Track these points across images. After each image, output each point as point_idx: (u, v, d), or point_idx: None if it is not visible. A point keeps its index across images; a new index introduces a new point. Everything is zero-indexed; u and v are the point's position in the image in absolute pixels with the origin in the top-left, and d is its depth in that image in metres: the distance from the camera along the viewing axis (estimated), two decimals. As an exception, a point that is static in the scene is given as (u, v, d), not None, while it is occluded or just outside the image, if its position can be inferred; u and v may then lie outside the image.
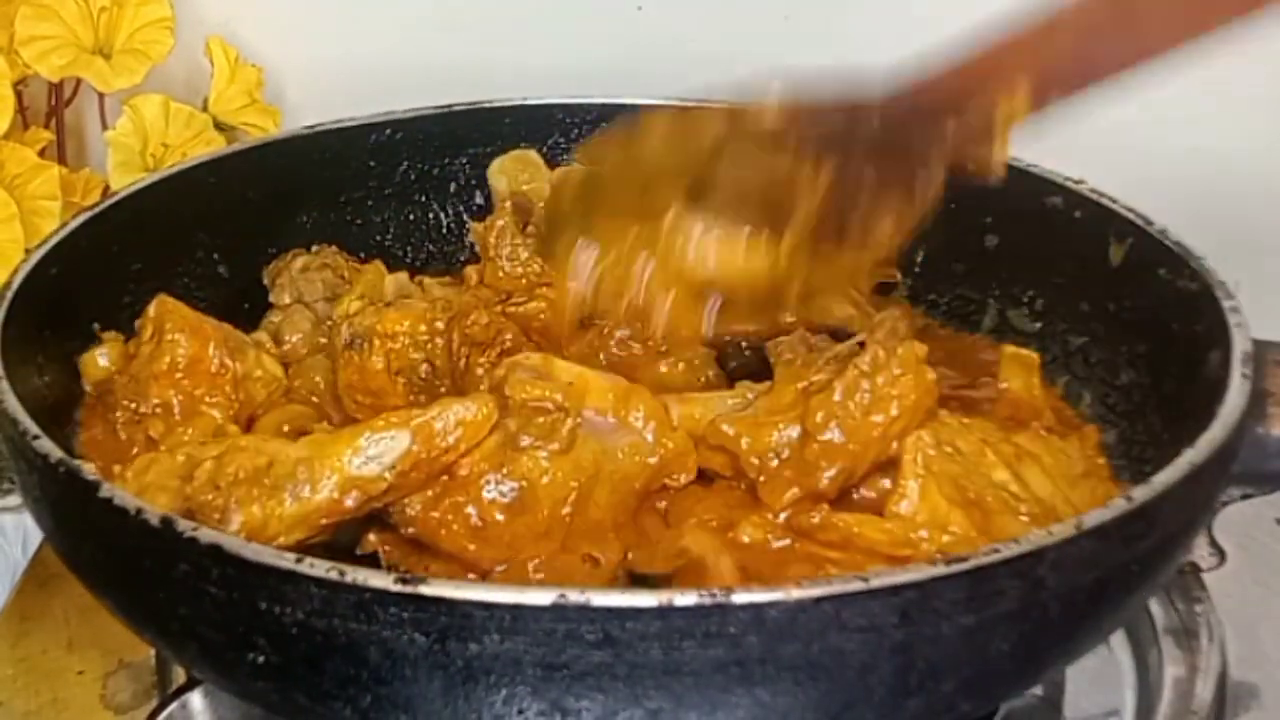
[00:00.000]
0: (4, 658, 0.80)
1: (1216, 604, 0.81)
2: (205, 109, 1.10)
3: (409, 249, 1.01)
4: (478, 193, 1.02)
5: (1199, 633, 0.80)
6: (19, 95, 1.03)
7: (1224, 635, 0.80)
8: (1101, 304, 0.86)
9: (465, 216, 1.02)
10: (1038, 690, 0.78)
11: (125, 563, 0.62)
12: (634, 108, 1.01)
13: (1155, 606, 0.82)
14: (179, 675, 0.76)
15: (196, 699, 0.73)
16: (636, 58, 1.12)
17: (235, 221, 0.94)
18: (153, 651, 0.79)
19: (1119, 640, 0.81)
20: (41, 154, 1.04)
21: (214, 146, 1.07)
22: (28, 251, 0.81)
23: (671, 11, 1.13)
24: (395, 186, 1.01)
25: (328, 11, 1.17)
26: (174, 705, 0.73)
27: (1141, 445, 0.79)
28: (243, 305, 0.90)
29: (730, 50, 1.10)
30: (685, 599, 0.54)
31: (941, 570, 0.55)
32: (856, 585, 0.55)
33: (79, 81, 1.09)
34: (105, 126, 1.09)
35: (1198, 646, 0.79)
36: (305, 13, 1.17)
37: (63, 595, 0.84)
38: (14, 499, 0.85)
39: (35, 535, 0.88)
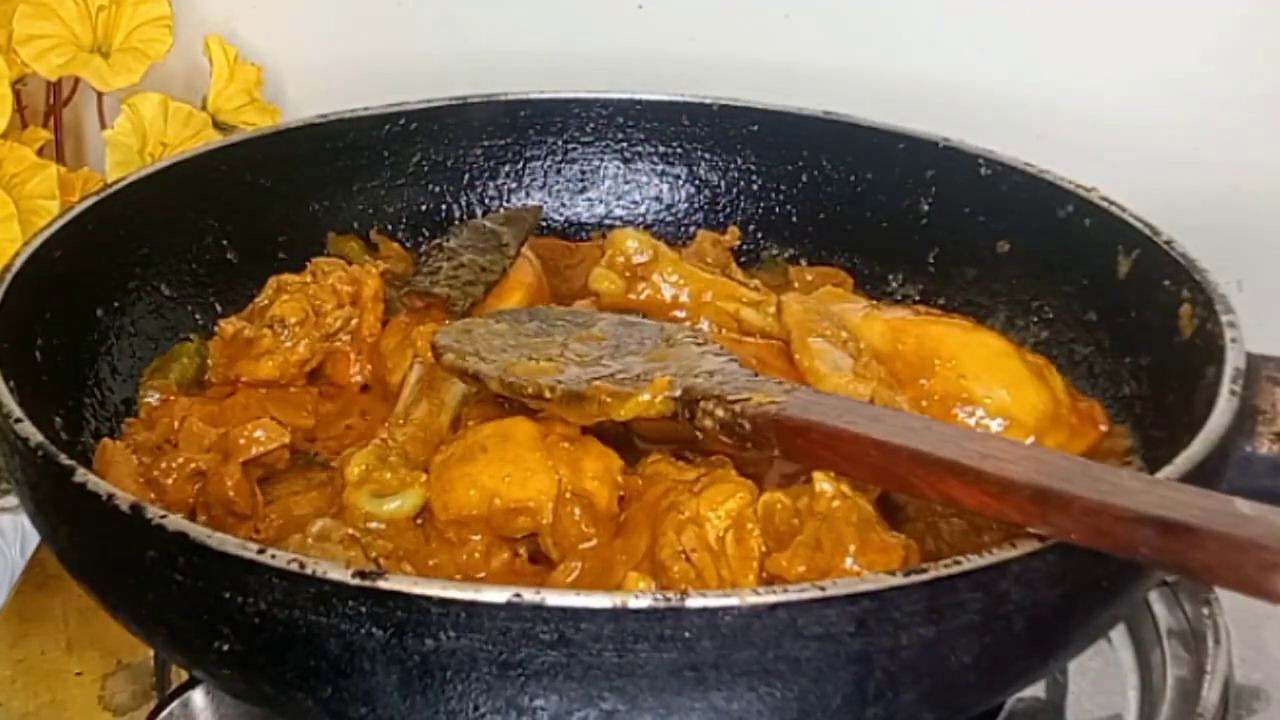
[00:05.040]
0: (2, 659, 0.81)
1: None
2: (204, 108, 1.10)
3: (421, 240, 1.01)
4: (490, 184, 1.03)
5: (1206, 635, 0.79)
6: (17, 94, 1.04)
7: (1230, 638, 0.79)
8: (1108, 315, 0.86)
9: (478, 208, 1.03)
10: (1040, 692, 0.78)
11: (98, 547, 0.63)
12: (647, 104, 1.02)
13: (1159, 608, 0.81)
14: (178, 675, 0.76)
15: (198, 698, 0.73)
16: (636, 56, 1.12)
17: (246, 209, 0.94)
18: (151, 652, 0.79)
19: (1122, 641, 0.81)
20: (40, 153, 1.04)
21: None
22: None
23: (672, 11, 1.13)
24: (408, 177, 1.01)
25: (327, 10, 1.18)
26: (175, 704, 0.73)
27: (1141, 459, 0.79)
28: (250, 292, 0.90)
29: (730, 50, 1.10)
30: (639, 601, 0.54)
31: (900, 580, 0.55)
32: (813, 593, 0.54)
33: (77, 80, 1.10)
34: (104, 125, 1.10)
35: (1204, 649, 0.79)
36: (304, 11, 1.18)
37: (61, 596, 0.84)
38: (13, 499, 0.86)
39: (34, 536, 0.88)
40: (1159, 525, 0.53)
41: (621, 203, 1.04)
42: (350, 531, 0.70)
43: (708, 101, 1.02)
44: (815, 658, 0.55)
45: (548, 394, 0.73)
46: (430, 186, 1.02)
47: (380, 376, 0.86)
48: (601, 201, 1.04)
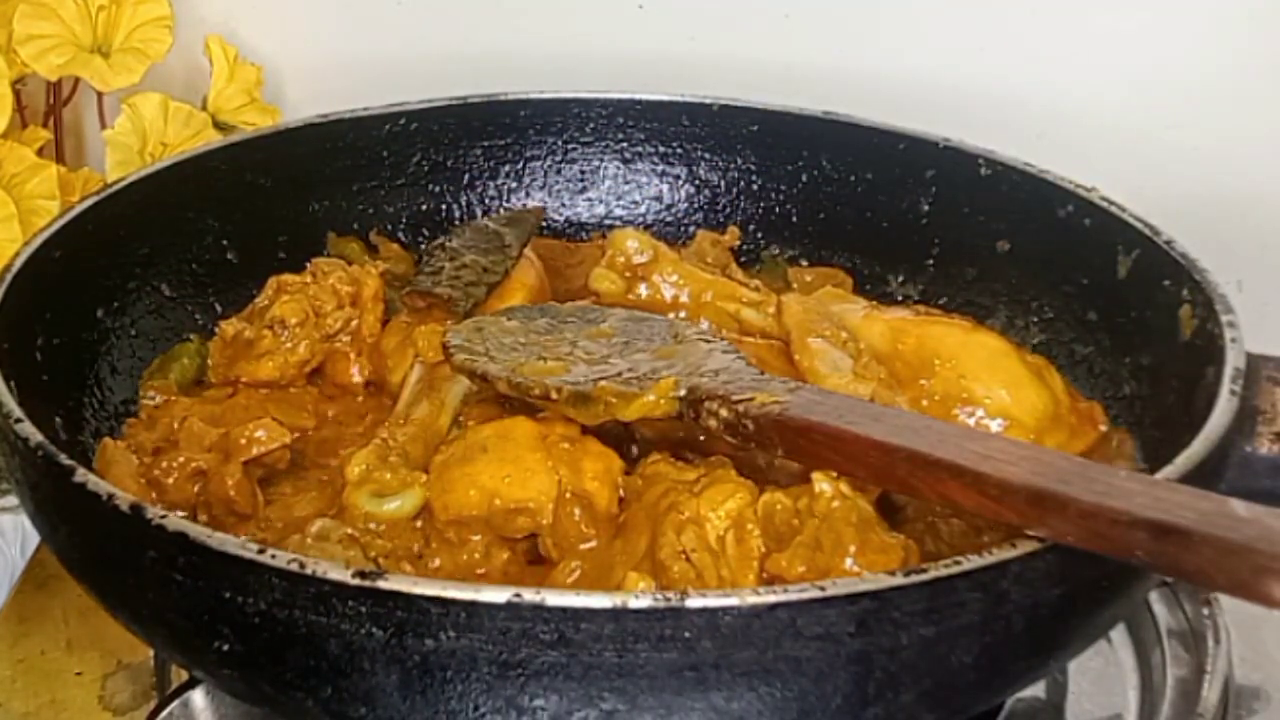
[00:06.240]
0: (2, 659, 0.80)
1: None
2: (204, 108, 1.10)
3: (421, 239, 1.01)
4: (490, 184, 1.03)
5: (1206, 635, 0.79)
6: (17, 94, 1.04)
7: (1230, 638, 0.79)
8: (1108, 315, 0.86)
9: (478, 209, 1.03)
10: (1040, 692, 0.78)
11: (98, 547, 0.63)
12: (647, 104, 1.02)
13: (1159, 608, 0.81)
14: (178, 675, 0.76)
15: (198, 698, 0.73)
16: (636, 56, 1.12)
17: (246, 209, 0.94)
18: (151, 652, 0.79)
19: (1122, 641, 0.81)
20: (40, 153, 1.04)
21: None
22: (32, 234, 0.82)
23: (672, 11, 1.13)
24: (408, 177, 1.01)
25: (327, 10, 1.18)
26: (175, 704, 0.73)
27: (1141, 459, 0.79)
28: (250, 292, 0.90)
29: (730, 50, 1.11)
30: (639, 601, 0.54)
31: (900, 580, 0.55)
32: (813, 593, 0.54)
33: (77, 80, 1.09)
34: (104, 125, 1.10)
35: (1204, 649, 0.79)
36: (304, 11, 1.18)
37: (61, 596, 0.84)
38: (13, 499, 0.86)
39: (34, 536, 0.88)
40: (1154, 528, 0.53)
41: (621, 203, 1.04)
42: (350, 531, 0.70)
43: (708, 101, 1.02)
44: (815, 658, 0.55)
45: (554, 395, 0.73)
46: (430, 186, 1.02)
47: (380, 376, 0.86)
48: (601, 201, 1.04)
